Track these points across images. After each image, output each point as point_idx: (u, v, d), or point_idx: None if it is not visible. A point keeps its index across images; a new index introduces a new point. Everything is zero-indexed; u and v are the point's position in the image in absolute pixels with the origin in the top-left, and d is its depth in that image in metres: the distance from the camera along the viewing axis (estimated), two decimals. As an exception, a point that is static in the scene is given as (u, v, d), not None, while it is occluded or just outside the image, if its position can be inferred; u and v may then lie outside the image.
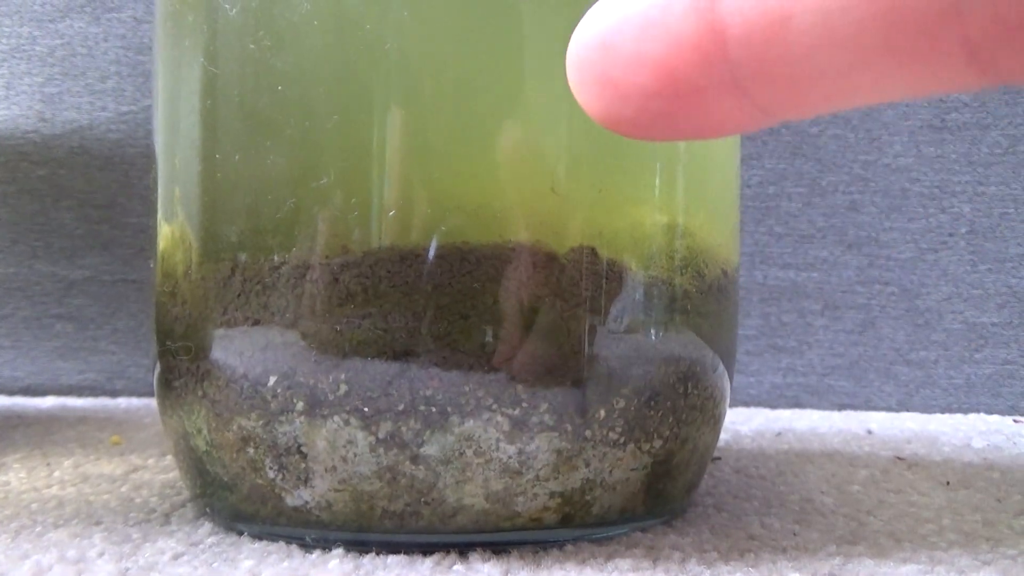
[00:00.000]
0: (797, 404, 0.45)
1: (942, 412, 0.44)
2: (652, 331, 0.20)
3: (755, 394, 0.45)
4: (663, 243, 0.20)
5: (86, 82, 0.48)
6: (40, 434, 0.35)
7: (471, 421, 0.18)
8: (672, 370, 0.20)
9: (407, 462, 0.18)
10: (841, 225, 0.45)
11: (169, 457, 0.29)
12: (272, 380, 0.19)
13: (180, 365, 0.21)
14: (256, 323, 0.19)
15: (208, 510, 0.21)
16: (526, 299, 0.18)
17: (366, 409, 0.18)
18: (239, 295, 0.19)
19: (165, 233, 0.21)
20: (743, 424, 0.38)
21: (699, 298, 0.21)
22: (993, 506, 0.24)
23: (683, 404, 0.20)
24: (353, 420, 0.18)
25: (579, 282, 0.19)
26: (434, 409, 0.18)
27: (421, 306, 0.18)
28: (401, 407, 0.18)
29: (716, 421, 0.22)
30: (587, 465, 0.19)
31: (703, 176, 0.22)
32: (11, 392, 0.48)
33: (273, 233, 0.19)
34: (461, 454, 0.18)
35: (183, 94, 0.21)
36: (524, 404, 0.18)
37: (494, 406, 0.18)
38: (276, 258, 0.19)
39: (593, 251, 0.19)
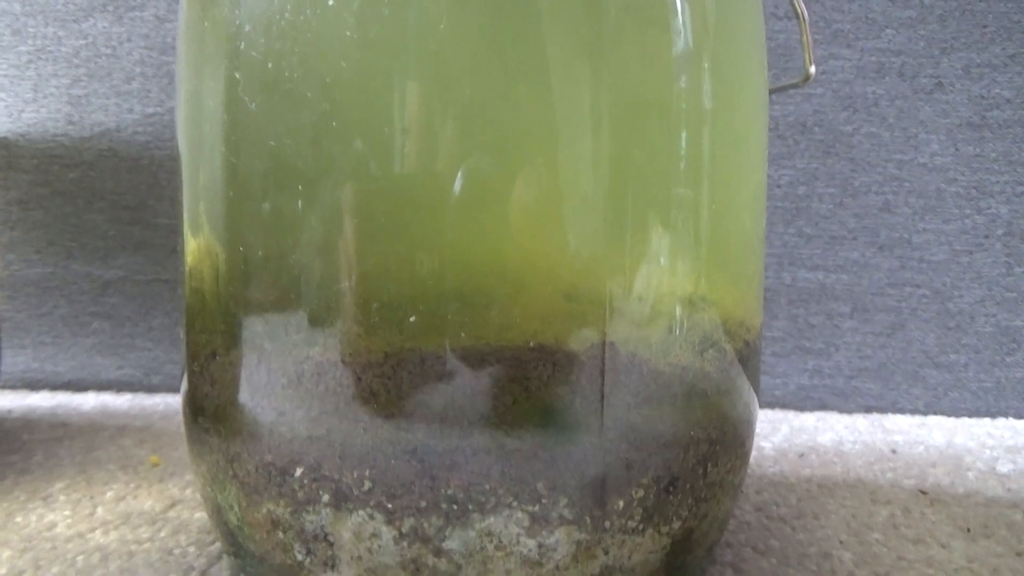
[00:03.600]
0: (823, 406, 0.45)
1: (970, 416, 0.44)
2: (672, 419, 0.20)
3: (780, 396, 0.45)
4: (684, 329, 0.20)
5: (112, 83, 0.48)
6: (83, 450, 0.36)
7: (492, 518, 0.19)
8: (692, 454, 0.20)
9: (430, 555, 0.19)
10: (873, 226, 0.44)
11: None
12: (299, 471, 0.19)
13: (211, 441, 0.21)
14: (282, 414, 0.20)
15: (242, 574, 0.22)
16: (546, 398, 0.19)
17: (390, 505, 0.19)
18: (265, 385, 0.20)
19: (192, 308, 0.22)
20: (767, 438, 0.38)
21: (720, 377, 0.21)
22: (1012, 565, 0.24)
23: (702, 484, 0.21)
24: (377, 515, 0.19)
25: (598, 378, 0.19)
26: (455, 506, 0.19)
27: (442, 407, 0.18)
28: (424, 504, 0.19)
29: (736, 487, 0.23)
30: (606, 553, 0.19)
31: (727, 251, 0.22)
32: (54, 387, 0.50)
33: (297, 329, 0.19)
34: (482, 548, 0.19)
35: (203, 178, 0.21)
36: (544, 500, 0.19)
37: (514, 503, 0.19)
38: (300, 354, 0.19)
39: (612, 346, 0.19)
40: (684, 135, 0.20)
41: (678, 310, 0.20)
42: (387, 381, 0.19)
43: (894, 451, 0.36)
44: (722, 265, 0.22)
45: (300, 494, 0.19)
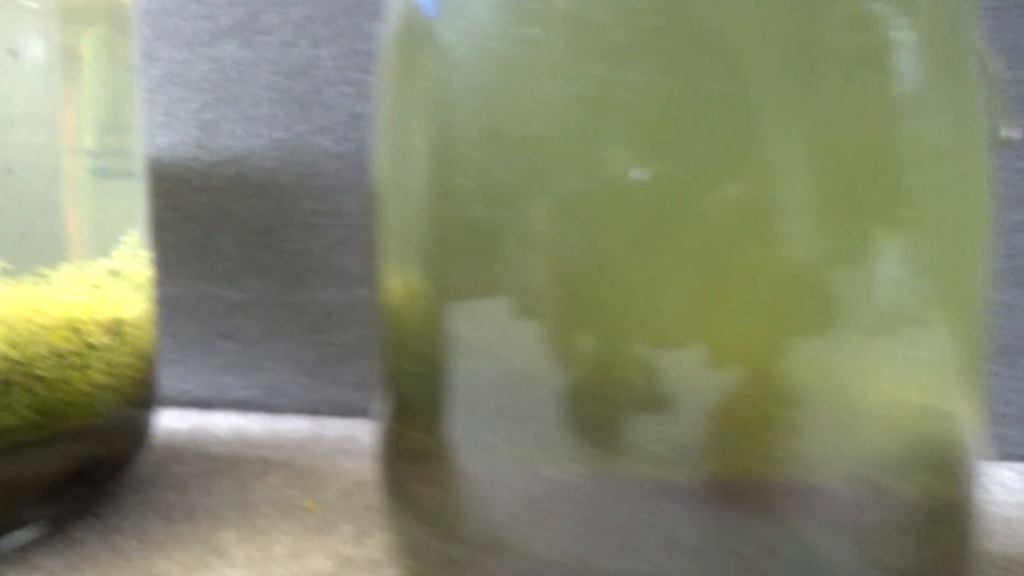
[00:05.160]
0: (962, 450, 0.44)
1: (1122, 466, 0.42)
2: (915, 552, 0.19)
3: (917, 437, 0.44)
4: (929, 451, 0.19)
5: (240, 108, 0.48)
6: (235, 489, 0.37)
7: (734, 652, 0.18)
8: (926, 580, 0.20)
9: None
10: (1023, 267, 0.42)
11: (368, 542, 0.30)
12: (529, 591, 0.19)
13: (427, 541, 0.21)
14: (512, 530, 0.19)
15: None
16: (794, 535, 0.18)
17: (628, 634, 0.19)
18: (492, 497, 0.20)
19: (402, 401, 0.22)
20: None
21: (960, 499, 0.20)
22: None
23: (932, 607, 0.20)
24: (614, 642, 0.19)
25: (849, 512, 0.18)
26: (697, 639, 0.18)
27: (683, 540, 0.18)
28: (664, 635, 0.18)
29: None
30: None
31: (964, 352, 0.21)
32: (182, 404, 0.51)
33: (523, 444, 0.19)
34: None
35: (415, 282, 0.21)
36: (787, 635, 0.18)
37: (757, 638, 0.18)
38: (527, 469, 0.19)
39: (867, 481, 0.18)
40: (921, 218, 0.19)
41: (919, 431, 0.19)
42: (627, 511, 0.18)
43: (1059, 517, 0.35)
44: (959, 371, 0.21)
45: (529, 613, 0.19)
